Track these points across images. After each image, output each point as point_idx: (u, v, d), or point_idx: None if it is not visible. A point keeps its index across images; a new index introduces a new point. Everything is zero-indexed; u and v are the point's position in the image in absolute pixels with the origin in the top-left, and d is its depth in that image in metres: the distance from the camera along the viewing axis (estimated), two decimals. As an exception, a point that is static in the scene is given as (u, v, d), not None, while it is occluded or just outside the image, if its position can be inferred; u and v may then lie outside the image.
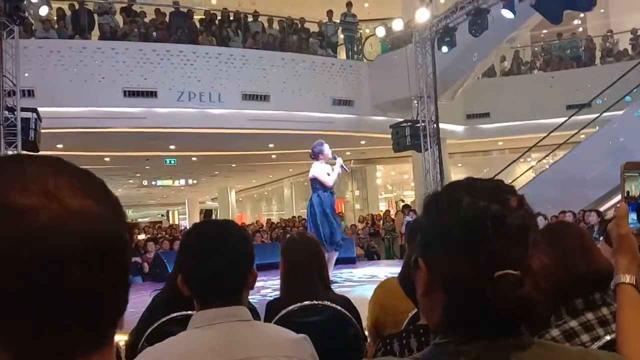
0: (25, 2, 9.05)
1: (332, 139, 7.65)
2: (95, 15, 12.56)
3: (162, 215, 35.29)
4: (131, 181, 21.76)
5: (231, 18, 14.30)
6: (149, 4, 13.55)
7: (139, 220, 32.50)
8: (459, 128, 15.53)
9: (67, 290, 0.51)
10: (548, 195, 10.70)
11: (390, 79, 13.13)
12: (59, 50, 11.37)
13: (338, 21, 15.08)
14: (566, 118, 13.01)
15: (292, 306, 2.38)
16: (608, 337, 1.52)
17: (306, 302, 2.39)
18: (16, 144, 8.89)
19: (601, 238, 2.42)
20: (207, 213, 30.80)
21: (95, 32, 12.54)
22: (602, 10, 18.21)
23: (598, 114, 12.58)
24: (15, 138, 8.92)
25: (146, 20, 13.21)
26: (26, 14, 9.24)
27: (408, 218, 11.71)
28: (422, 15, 11.51)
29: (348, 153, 16.14)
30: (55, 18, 12.26)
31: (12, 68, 9.17)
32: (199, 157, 16.86)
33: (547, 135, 12.81)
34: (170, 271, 3.98)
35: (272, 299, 2.77)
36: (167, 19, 13.29)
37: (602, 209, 10.95)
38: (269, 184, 26.25)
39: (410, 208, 13.38)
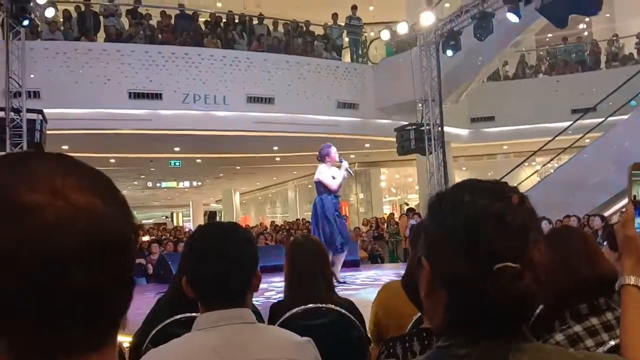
0: (31, 4, 9.09)
1: (337, 141, 7.66)
2: (101, 18, 12.61)
3: (167, 217, 35.32)
4: (136, 183, 21.80)
5: (236, 21, 14.33)
6: (154, 6, 13.59)
7: (143, 221, 32.52)
8: (464, 131, 15.51)
9: (68, 290, 0.51)
10: (552, 199, 10.67)
11: (395, 82, 13.14)
12: (64, 52, 11.42)
13: (343, 24, 15.09)
14: (571, 122, 12.98)
15: (296, 309, 2.37)
16: (612, 342, 1.52)
17: (310, 305, 2.39)
18: (21, 145, 8.92)
19: (605, 243, 2.41)
20: (211, 215, 30.83)
21: (101, 34, 12.59)
22: (607, 15, 18.18)
23: (603, 119, 12.55)
24: (21, 139, 8.96)
25: (152, 22, 13.26)
26: (32, 15, 9.28)
27: (412, 221, 11.69)
28: (427, 19, 11.51)
29: (352, 156, 16.13)
30: (61, 20, 12.31)
31: (18, 69, 9.21)
32: (203, 159, 16.89)
33: (552, 139, 12.79)
34: (174, 273, 3.98)
35: (276, 301, 2.77)
36: (172, 22, 13.34)
37: (606, 213, 10.92)
38: (273, 186, 26.26)
39: (415, 211, 13.37)
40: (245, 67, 12.77)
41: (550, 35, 17.89)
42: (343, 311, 2.42)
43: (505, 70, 16.56)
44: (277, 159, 17.45)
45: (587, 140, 13.05)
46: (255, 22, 14.40)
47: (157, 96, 11.87)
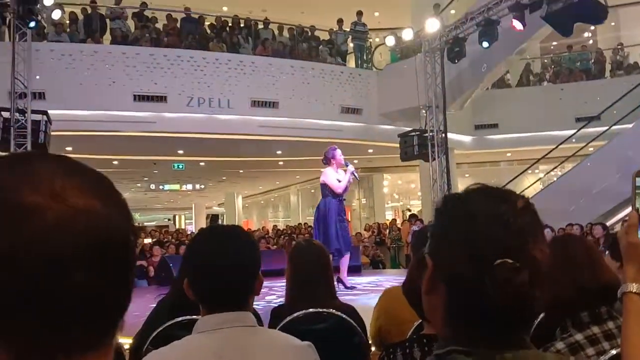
0: (38, 6, 9.14)
1: (340, 147, 7.64)
2: (107, 20, 12.66)
3: (169, 220, 35.34)
4: (139, 185, 21.83)
5: (242, 25, 14.37)
6: (160, 9, 13.64)
7: (145, 224, 32.56)
8: (467, 138, 15.50)
9: (68, 291, 0.51)
10: (555, 207, 10.64)
11: (399, 88, 13.15)
12: (70, 53, 11.46)
13: (348, 30, 15.12)
14: (575, 130, 12.96)
15: (297, 313, 2.37)
16: (614, 352, 1.51)
17: (311, 310, 2.39)
18: (26, 145, 8.95)
19: (607, 252, 2.40)
20: (213, 218, 30.83)
21: (107, 37, 12.64)
22: (612, 24, 18.18)
23: (607, 127, 12.53)
24: (25, 140, 8.99)
25: (157, 25, 13.30)
26: (39, 17, 9.32)
27: (414, 227, 11.68)
28: (432, 25, 11.53)
29: (355, 161, 16.09)
30: (67, 22, 12.37)
31: (24, 70, 9.25)
32: (206, 162, 16.91)
33: (556, 147, 12.77)
34: (175, 275, 3.98)
35: (276, 305, 2.77)
36: (178, 25, 13.39)
37: (610, 222, 10.89)
38: (276, 190, 26.28)
39: (417, 217, 13.35)
40: (250, 71, 12.80)
41: (555, 43, 17.90)
42: (344, 316, 2.42)
43: (506, 78, 16.56)
44: (281, 163, 17.46)
45: (591, 149, 13.02)
46: (260, 26, 14.44)
47: (162, 99, 11.91)
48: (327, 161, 7.29)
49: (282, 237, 15.24)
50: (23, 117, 9.06)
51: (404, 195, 22.48)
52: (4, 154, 0.61)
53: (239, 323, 1.42)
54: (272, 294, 6.73)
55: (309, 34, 14.89)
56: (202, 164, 17.03)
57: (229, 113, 12.47)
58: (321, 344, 1.56)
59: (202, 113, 12.22)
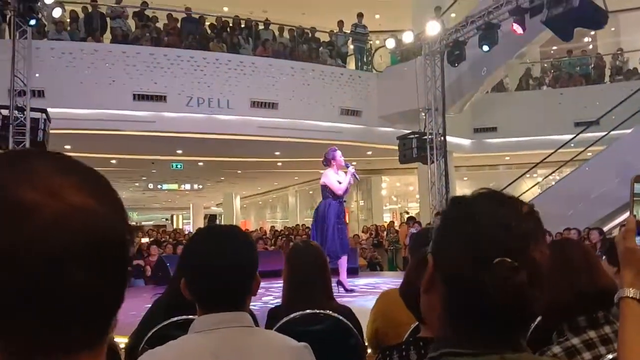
0: (39, 4, 9.14)
1: (339, 148, 7.66)
2: (108, 19, 12.66)
3: (167, 220, 35.32)
4: (137, 184, 21.82)
5: (242, 25, 14.38)
6: (161, 9, 13.64)
7: (143, 223, 32.52)
8: (466, 142, 15.52)
9: (68, 291, 0.51)
10: (553, 211, 10.64)
11: (399, 90, 13.16)
12: (70, 52, 11.46)
13: (349, 32, 15.14)
14: (574, 135, 12.98)
15: (294, 314, 2.37)
16: (610, 356, 1.52)
17: (308, 311, 2.39)
18: (24, 143, 8.94)
19: (604, 257, 2.40)
20: (211, 218, 30.81)
21: (107, 36, 12.64)
22: (612, 29, 18.21)
23: (606, 132, 12.55)
24: (24, 138, 8.98)
25: (158, 25, 13.31)
26: (40, 15, 9.32)
27: (412, 230, 11.68)
28: (433, 29, 11.54)
29: (354, 163, 15.95)
30: (68, 20, 12.36)
31: (24, 68, 9.25)
32: (205, 163, 16.90)
33: (554, 151, 12.79)
34: (172, 275, 3.98)
35: (273, 306, 2.77)
36: (179, 25, 13.39)
37: (607, 227, 10.90)
38: (274, 191, 26.28)
39: (415, 220, 13.35)
40: (250, 71, 12.80)
41: (555, 47, 17.93)
42: (341, 318, 2.42)
43: (505, 82, 16.59)
44: (279, 164, 17.46)
45: (590, 154, 13.04)
46: (261, 27, 14.45)
47: (161, 98, 11.90)
48: (327, 162, 7.30)
49: (280, 238, 15.22)
50: (22, 115, 9.05)
51: (402, 198, 22.49)
52: (1, 151, 0.60)
53: (236, 323, 1.42)
54: (269, 294, 6.73)
55: (310, 35, 14.90)
56: (200, 164, 17.02)
57: (228, 113, 12.47)
58: (317, 345, 1.56)
59: (202, 113, 12.21)
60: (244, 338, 1.42)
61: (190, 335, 1.42)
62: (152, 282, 9.58)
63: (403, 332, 2.08)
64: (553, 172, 14.58)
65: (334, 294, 2.77)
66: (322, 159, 7.51)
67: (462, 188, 16.37)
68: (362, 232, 16.57)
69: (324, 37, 15.09)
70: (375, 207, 20.48)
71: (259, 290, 1.55)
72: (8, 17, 9.42)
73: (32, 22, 9.07)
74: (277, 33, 14.51)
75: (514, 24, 9.57)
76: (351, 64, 15.27)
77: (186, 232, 19.13)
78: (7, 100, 9.08)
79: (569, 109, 14.71)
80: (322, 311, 2.41)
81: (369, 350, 2.66)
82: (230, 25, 14.19)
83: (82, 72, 11.40)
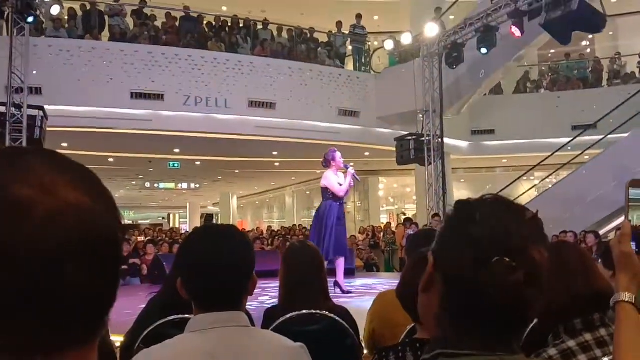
0: (37, 1, 9.13)
1: (337, 149, 7.68)
2: (106, 17, 12.64)
3: (163, 218, 35.28)
4: (134, 183, 21.78)
5: (241, 25, 14.37)
6: (160, 7, 13.63)
7: (140, 222, 32.47)
8: (464, 144, 15.54)
9: (63, 287, 0.51)
10: (550, 214, 10.61)
11: (397, 92, 13.17)
12: (68, 49, 11.43)
13: (347, 32, 15.15)
14: (571, 138, 13.01)
15: (290, 314, 2.37)
16: (605, 359, 1.52)
17: (304, 311, 2.39)
18: (21, 140, 8.93)
19: (599, 261, 2.41)
20: (208, 218, 30.75)
21: (105, 34, 12.62)
22: (610, 33, 18.26)
23: (603, 136, 12.59)
24: (21, 135, 8.97)
25: (156, 23, 13.29)
26: (38, 12, 9.31)
27: (410, 231, 11.69)
28: (431, 30, 11.56)
29: (352, 164, 16.05)
30: (66, 18, 12.34)
31: (21, 65, 9.24)
32: (202, 162, 16.89)
33: (552, 154, 12.81)
34: (168, 274, 3.97)
35: (270, 306, 2.76)
36: (177, 24, 13.38)
37: (604, 231, 10.94)
38: (271, 191, 26.27)
39: (412, 221, 13.37)
40: (248, 71, 12.80)
41: (552, 51, 17.96)
42: (337, 318, 2.42)
43: (503, 84, 16.61)
44: (277, 164, 17.46)
45: (587, 157, 13.07)
46: (259, 27, 14.44)
47: (159, 97, 11.89)
48: (327, 163, 7.32)
49: (277, 238, 15.22)
50: (19, 112, 9.04)
51: (399, 199, 22.51)
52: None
53: (232, 323, 1.42)
54: (265, 294, 6.73)
55: (308, 35, 14.90)
56: (197, 163, 17.01)
57: (226, 113, 12.46)
58: (314, 345, 1.56)
59: (199, 112, 12.20)
60: (240, 338, 1.41)
61: (186, 335, 1.41)
62: (148, 280, 9.55)
63: (399, 333, 2.08)
64: (550, 175, 14.61)
65: (330, 294, 2.77)
66: (321, 160, 7.52)
67: (459, 190, 16.41)
68: (359, 233, 16.58)
69: (323, 38, 15.10)
70: (372, 208, 20.49)
71: (255, 290, 1.54)
72: (6, 14, 9.41)
73: (30, 19, 9.06)
74: (275, 33, 14.51)
75: (512, 26, 9.59)
76: (349, 64, 15.28)
77: (182, 232, 19.10)
78: (4, 98, 9.07)
79: (567, 112, 14.75)
80: (318, 311, 2.41)
81: (365, 351, 2.66)
82: (229, 24, 14.18)
83: (80, 69, 11.38)
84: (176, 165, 16.78)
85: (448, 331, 0.89)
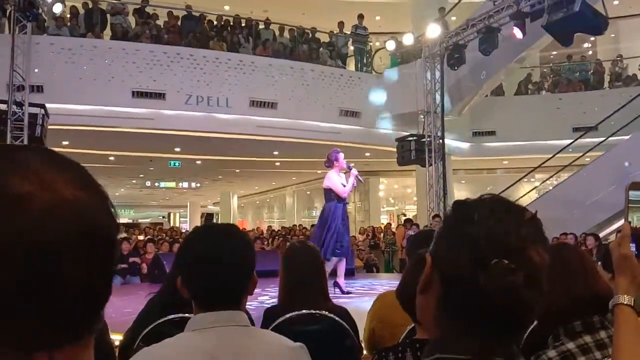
0: (39, -1, 9.13)
1: (334, 148, 7.71)
2: (108, 15, 12.64)
3: (164, 217, 35.30)
4: (134, 181, 21.79)
5: (243, 24, 14.37)
6: (162, 6, 13.63)
7: (140, 220, 32.50)
8: (465, 145, 15.54)
9: (62, 282, 0.52)
10: (550, 216, 10.53)
11: (398, 92, 13.16)
12: (70, 48, 11.44)
13: (349, 33, 15.15)
14: (572, 140, 13.01)
15: (290, 314, 2.37)
16: (605, 361, 1.52)
17: (304, 311, 2.39)
18: (22, 138, 8.93)
19: (599, 263, 2.41)
20: (208, 217, 30.80)
21: (107, 32, 12.62)
22: (612, 35, 18.26)
23: (604, 138, 12.58)
24: (22, 133, 8.97)
25: (158, 22, 13.29)
26: (40, 10, 9.31)
27: (410, 232, 11.69)
28: (433, 31, 11.56)
29: (352, 164, 16.09)
30: (68, 16, 12.34)
31: (23, 63, 9.24)
32: (203, 161, 16.89)
33: (553, 156, 12.81)
34: (168, 273, 3.97)
35: (269, 306, 2.76)
36: (179, 23, 13.38)
37: (604, 233, 10.93)
38: (272, 191, 26.27)
39: (413, 222, 13.37)
40: (249, 70, 12.80)
41: (554, 52, 17.96)
42: (336, 319, 2.42)
43: (503, 86, 16.61)
44: (277, 163, 17.46)
45: (587, 159, 13.07)
46: (261, 26, 14.45)
47: (160, 96, 11.89)
48: (330, 164, 7.34)
49: (277, 238, 15.21)
50: (20, 110, 9.04)
51: (399, 200, 22.51)
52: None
53: (233, 322, 1.42)
54: (265, 294, 6.73)
55: (310, 35, 14.90)
56: (198, 162, 17.01)
57: (227, 112, 12.46)
58: (313, 345, 1.56)
59: (201, 111, 12.21)
60: (241, 337, 1.41)
61: (187, 334, 1.41)
62: (148, 279, 9.55)
63: (399, 333, 2.08)
64: (551, 176, 14.60)
65: (330, 295, 2.77)
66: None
67: (460, 191, 16.39)
68: (359, 233, 16.57)
69: (324, 38, 15.10)
70: (373, 209, 20.48)
71: (255, 290, 1.54)
72: (8, 11, 9.41)
73: (32, 17, 9.06)
74: (277, 33, 14.51)
75: (514, 28, 9.59)
76: (351, 65, 15.28)
77: (183, 231, 19.11)
78: (5, 95, 9.08)
79: (568, 114, 14.74)
80: (318, 311, 2.41)
81: (365, 352, 2.66)
82: (231, 24, 14.18)
83: (81, 68, 11.38)
84: (177, 164, 16.78)
85: (446, 332, 0.88)
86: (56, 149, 0.59)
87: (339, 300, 5.59)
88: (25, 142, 8.82)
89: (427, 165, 11.91)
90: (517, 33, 9.58)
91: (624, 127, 12.33)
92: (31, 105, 9.16)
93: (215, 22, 14.04)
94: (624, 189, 1.31)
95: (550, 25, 8.90)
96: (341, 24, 15.20)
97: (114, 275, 0.59)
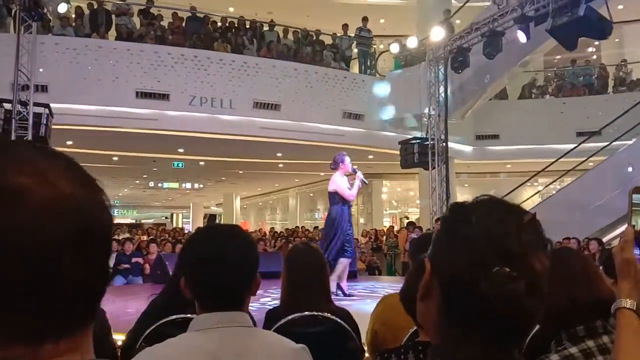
0: (45, -1, 9.16)
1: (341, 151, 7.70)
2: (113, 16, 12.68)
3: (166, 218, 35.34)
4: (138, 182, 21.83)
5: (247, 26, 14.40)
6: (166, 7, 13.66)
7: (143, 221, 32.54)
8: (468, 148, 15.52)
9: (61, 276, 0.52)
10: (553, 221, 10.61)
11: (402, 95, 13.16)
12: (74, 48, 11.47)
13: (353, 35, 15.15)
14: (576, 145, 12.99)
15: (292, 315, 2.37)
16: (607, 366, 1.51)
17: (306, 313, 2.39)
18: (26, 138, 8.94)
19: (601, 267, 2.40)
20: (211, 218, 30.82)
21: (112, 33, 12.65)
22: (616, 40, 18.23)
23: (608, 143, 12.56)
24: (26, 132, 8.99)
25: (163, 23, 13.32)
26: (45, 10, 9.33)
27: (413, 235, 11.67)
28: (437, 34, 11.56)
29: (355, 167, 16.12)
30: (73, 16, 12.38)
31: (28, 63, 9.26)
32: (206, 162, 16.91)
33: (556, 160, 12.79)
34: (171, 273, 3.97)
35: (272, 307, 2.76)
36: (183, 24, 13.41)
37: (607, 238, 10.90)
38: (275, 192, 26.27)
39: (415, 225, 13.35)
40: (253, 72, 12.81)
41: (558, 56, 17.93)
42: (339, 320, 2.42)
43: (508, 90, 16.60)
44: (280, 165, 17.46)
45: (591, 164, 13.04)
46: (265, 28, 14.47)
47: (164, 97, 11.91)
48: (336, 166, 7.36)
49: (280, 239, 15.21)
50: (25, 110, 9.07)
51: (402, 203, 22.49)
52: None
53: (236, 323, 1.42)
54: (267, 296, 6.73)
55: (314, 37, 14.91)
56: (201, 163, 17.03)
57: (230, 114, 12.48)
58: (315, 347, 1.56)
59: (204, 112, 12.22)
60: (243, 338, 1.41)
61: (189, 334, 1.42)
62: (151, 280, 9.57)
63: (402, 336, 2.08)
64: (554, 181, 14.58)
65: (332, 297, 2.77)
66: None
67: (463, 194, 16.37)
68: (362, 236, 16.56)
69: (328, 40, 15.12)
70: (375, 211, 20.47)
71: (257, 292, 1.54)
72: (13, 11, 9.44)
73: (37, 17, 9.08)
74: (281, 35, 14.53)
75: (518, 32, 9.58)
76: (355, 67, 15.28)
77: (186, 231, 19.12)
78: (10, 95, 9.10)
79: (572, 118, 14.72)
80: (320, 313, 2.41)
81: (367, 354, 2.66)
82: (235, 25, 14.21)
83: (86, 68, 11.41)
84: (180, 165, 16.81)
85: (447, 339, 0.88)
86: (60, 149, 0.60)
87: (341, 302, 5.58)
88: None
89: (430, 168, 11.90)
90: (521, 37, 9.56)
91: (628, 131, 12.31)
92: (36, 104, 9.19)
93: (219, 24, 14.06)
94: (627, 194, 1.31)
95: (555, 30, 8.89)
96: (345, 27, 15.21)
97: (109, 270, 0.60)
